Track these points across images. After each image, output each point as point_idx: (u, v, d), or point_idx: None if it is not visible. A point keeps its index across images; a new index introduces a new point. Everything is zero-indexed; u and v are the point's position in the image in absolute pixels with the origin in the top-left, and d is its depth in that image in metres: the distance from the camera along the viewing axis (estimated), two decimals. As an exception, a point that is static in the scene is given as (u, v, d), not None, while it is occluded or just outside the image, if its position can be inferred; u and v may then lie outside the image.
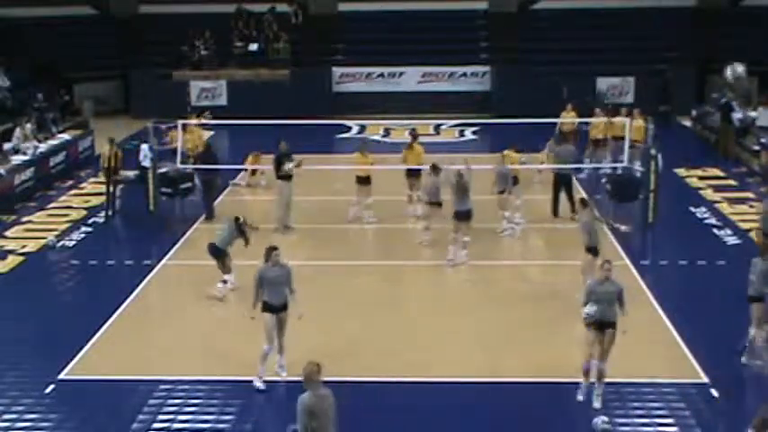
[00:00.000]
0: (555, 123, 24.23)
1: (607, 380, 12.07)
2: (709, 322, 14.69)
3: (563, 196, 20.36)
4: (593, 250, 15.07)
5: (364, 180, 20.25)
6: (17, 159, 23.53)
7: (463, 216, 17.23)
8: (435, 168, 18.31)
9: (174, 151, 21.46)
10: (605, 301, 11.82)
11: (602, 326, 11.82)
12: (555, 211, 20.39)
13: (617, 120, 23.56)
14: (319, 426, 9.08)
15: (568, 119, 24.87)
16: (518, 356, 13.48)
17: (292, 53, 35.99)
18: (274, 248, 12.62)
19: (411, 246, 18.63)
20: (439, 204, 18.27)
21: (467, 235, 17.45)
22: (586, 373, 11.99)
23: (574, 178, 21.26)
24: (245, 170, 23.63)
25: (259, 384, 12.37)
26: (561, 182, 20.34)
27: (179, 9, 37.21)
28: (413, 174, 20.42)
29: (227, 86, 34.52)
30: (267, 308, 12.40)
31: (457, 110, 32.60)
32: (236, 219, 16.03)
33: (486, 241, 18.71)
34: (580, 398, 12.01)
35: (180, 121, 21.64)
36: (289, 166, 19.71)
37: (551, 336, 14.17)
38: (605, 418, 11.40)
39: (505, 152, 19.81)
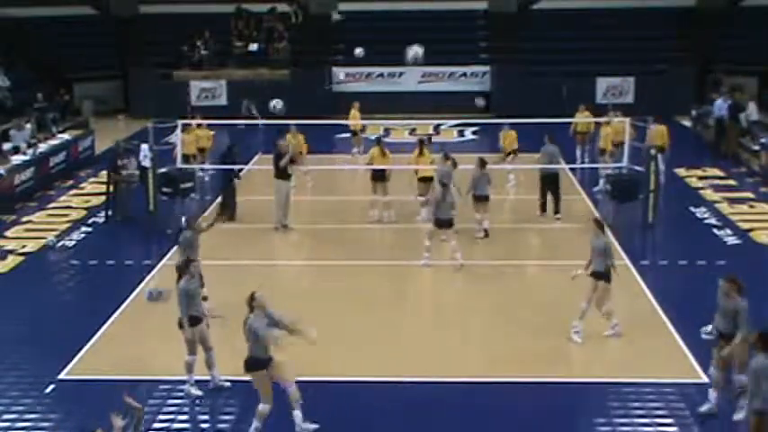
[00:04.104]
0: (554, 124, 24.17)
1: (607, 380, 12.06)
2: (709, 322, 14.63)
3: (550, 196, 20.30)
4: (605, 276, 13.60)
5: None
6: (17, 159, 23.53)
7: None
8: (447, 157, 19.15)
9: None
10: None
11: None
12: (543, 209, 20.32)
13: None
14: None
15: (582, 119, 24.88)
16: (517, 355, 13.49)
17: (292, 53, 36.01)
18: (193, 261, 12.65)
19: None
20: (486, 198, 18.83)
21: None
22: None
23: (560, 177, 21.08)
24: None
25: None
26: (546, 181, 20.26)
27: (179, 9, 37.24)
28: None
29: (227, 86, 34.51)
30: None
31: (457, 110, 32.60)
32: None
33: (487, 241, 18.80)
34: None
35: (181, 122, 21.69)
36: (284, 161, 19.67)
37: (548, 336, 14.17)
38: None
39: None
